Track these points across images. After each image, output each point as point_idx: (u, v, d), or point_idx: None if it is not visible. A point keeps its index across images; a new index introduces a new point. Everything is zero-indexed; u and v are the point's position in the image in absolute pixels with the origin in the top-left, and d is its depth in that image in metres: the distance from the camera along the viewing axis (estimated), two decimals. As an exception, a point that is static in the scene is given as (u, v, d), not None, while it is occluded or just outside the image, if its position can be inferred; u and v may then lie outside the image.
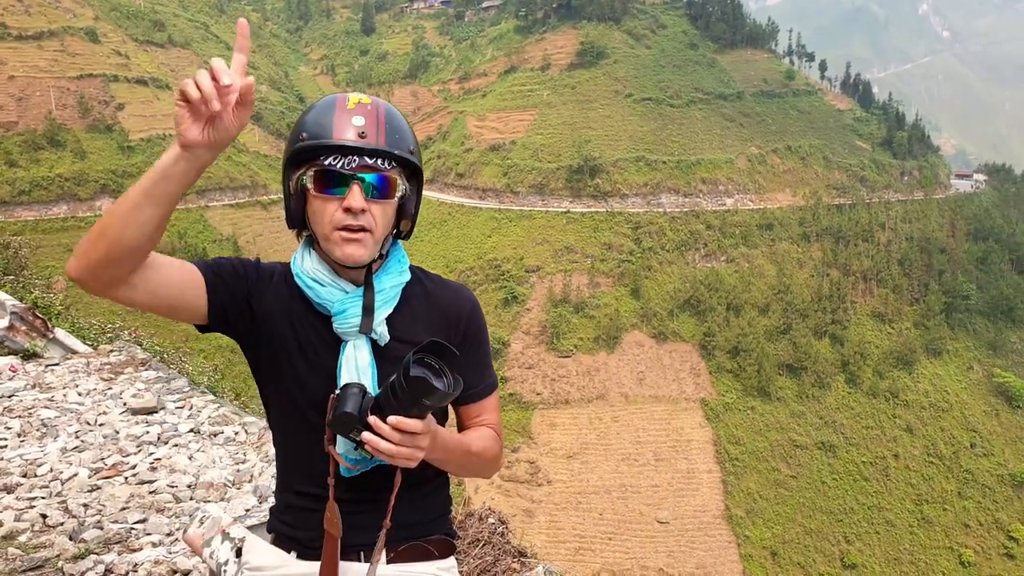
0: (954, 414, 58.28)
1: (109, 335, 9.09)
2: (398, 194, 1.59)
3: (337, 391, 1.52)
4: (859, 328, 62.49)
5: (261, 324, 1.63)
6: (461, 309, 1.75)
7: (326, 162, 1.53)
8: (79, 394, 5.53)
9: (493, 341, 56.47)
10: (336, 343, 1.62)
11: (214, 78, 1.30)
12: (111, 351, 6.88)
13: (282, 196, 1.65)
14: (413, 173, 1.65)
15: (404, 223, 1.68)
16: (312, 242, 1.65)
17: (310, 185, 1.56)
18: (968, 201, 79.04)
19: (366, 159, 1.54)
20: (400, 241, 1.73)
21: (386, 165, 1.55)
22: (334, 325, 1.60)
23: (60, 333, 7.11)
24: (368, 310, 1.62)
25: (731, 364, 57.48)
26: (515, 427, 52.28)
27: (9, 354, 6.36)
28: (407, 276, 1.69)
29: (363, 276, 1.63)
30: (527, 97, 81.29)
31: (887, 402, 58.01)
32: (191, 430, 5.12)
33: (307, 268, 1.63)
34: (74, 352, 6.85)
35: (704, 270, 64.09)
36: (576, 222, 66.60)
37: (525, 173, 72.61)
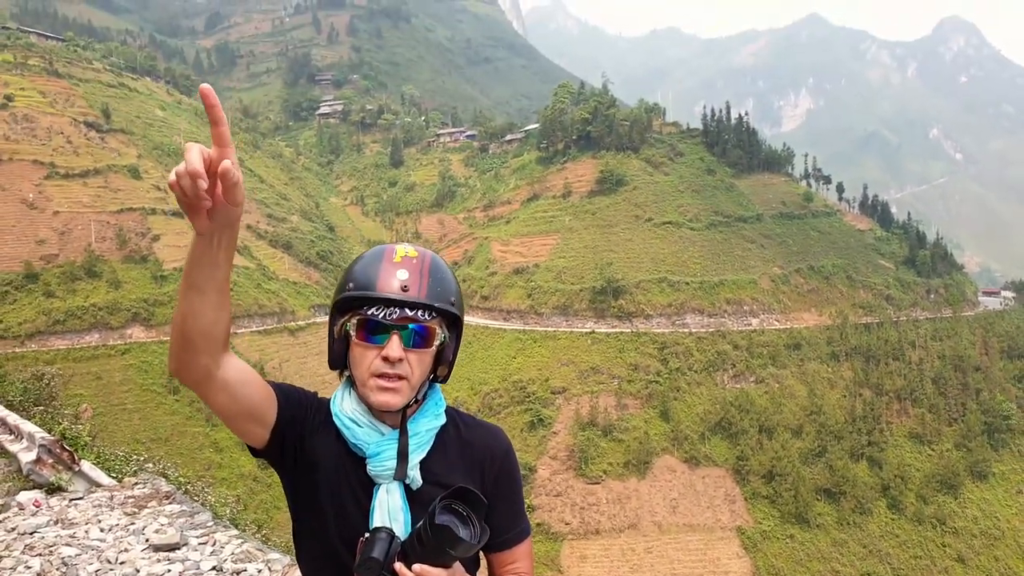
0: (1007, 542, 54.85)
1: (134, 466, 8.99)
2: (436, 343, 1.67)
3: (366, 535, 1.56)
4: (897, 450, 60.21)
5: (307, 457, 1.66)
6: (495, 453, 1.80)
7: (369, 312, 1.61)
8: (101, 530, 5.38)
9: (520, 466, 55.00)
10: (370, 484, 1.65)
11: (192, 174, 1.30)
12: (135, 484, 6.77)
13: (326, 336, 1.72)
14: (454, 322, 1.73)
15: (441, 368, 1.76)
16: (352, 383, 1.71)
17: (353, 332, 1.64)
18: (999, 318, 77.88)
19: (407, 311, 1.61)
20: (438, 384, 1.80)
21: (427, 316, 1.62)
22: (368, 467, 1.65)
23: (86, 466, 7.03)
24: (403, 455, 1.66)
25: (766, 489, 55.25)
26: (543, 559, 49.97)
27: (34, 488, 6.27)
28: (442, 420, 1.75)
29: (399, 419, 1.68)
30: (549, 223, 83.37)
31: (934, 529, 54.89)
32: (213, 567, 4.94)
33: (346, 408, 1.68)
34: (98, 485, 6.74)
35: (734, 391, 62.92)
36: (601, 342, 66.40)
37: (549, 295, 73.34)
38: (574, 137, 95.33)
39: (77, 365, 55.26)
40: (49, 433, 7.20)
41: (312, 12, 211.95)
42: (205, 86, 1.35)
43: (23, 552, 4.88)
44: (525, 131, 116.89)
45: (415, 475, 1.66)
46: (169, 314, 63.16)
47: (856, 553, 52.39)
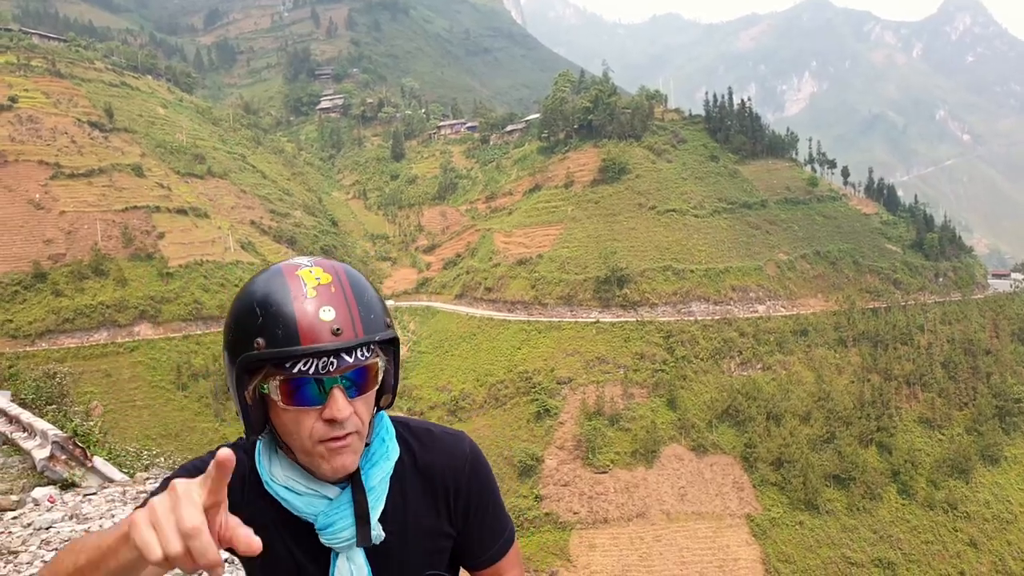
0: (1019, 526, 54.81)
1: (145, 462, 9.06)
2: (379, 378, 1.40)
3: None
4: (907, 435, 60.12)
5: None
6: (459, 473, 1.57)
7: (295, 369, 1.30)
8: (115, 524, 5.39)
9: (526, 457, 55.31)
10: (324, 552, 1.45)
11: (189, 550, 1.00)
12: (147, 479, 6.80)
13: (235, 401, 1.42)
14: (390, 342, 1.43)
15: (385, 398, 1.49)
16: (275, 442, 1.43)
17: (276, 397, 1.33)
18: (1009, 301, 77.51)
19: (344, 357, 1.32)
20: (383, 412, 1.53)
21: (365, 354, 1.34)
22: (321, 539, 1.42)
23: (98, 462, 7.07)
24: (363, 518, 1.43)
25: (775, 476, 55.29)
26: (552, 549, 50.22)
27: (49, 484, 6.31)
28: (395, 454, 1.50)
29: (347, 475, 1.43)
30: (552, 213, 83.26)
31: (946, 514, 54.85)
32: (226, 560, 4.94)
33: (277, 476, 1.42)
34: (111, 481, 6.78)
35: (740, 378, 62.89)
36: (606, 332, 66.39)
37: (553, 285, 73.31)
38: (575, 126, 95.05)
39: (87, 363, 55.63)
40: (61, 430, 7.25)
41: (310, 6, 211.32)
42: (224, 454, 1.06)
43: (39, 547, 4.92)
44: (526, 121, 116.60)
45: (378, 533, 1.44)
46: (176, 311, 63.50)
47: (866, 539, 52.44)
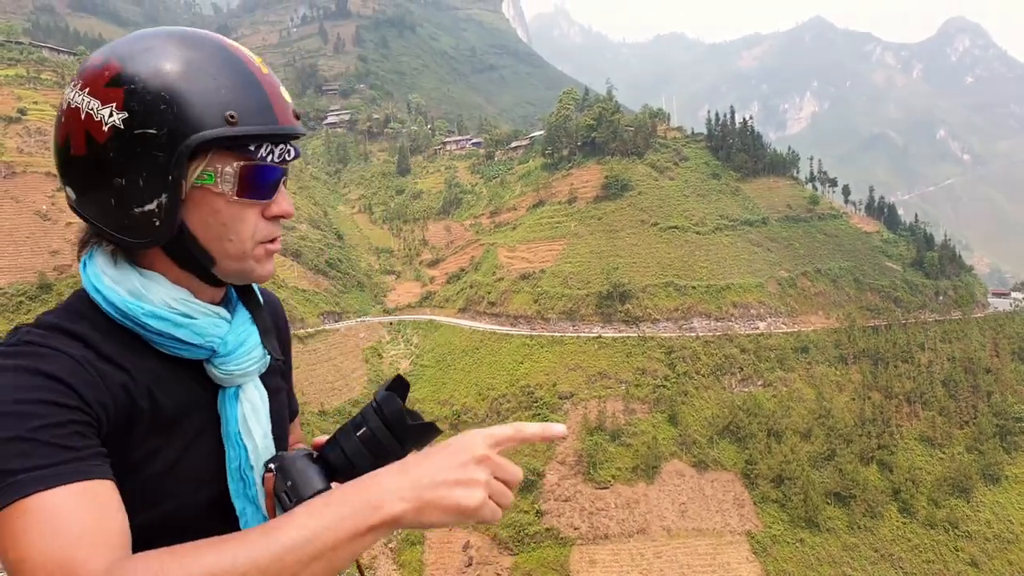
0: (1021, 545, 54.60)
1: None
2: None
3: (274, 467, 1.21)
4: (908, 453, 60.16)
5: (122, 434, 1.10)
6: (281, 315, 1.52)
7: (259, 155, 1.18)
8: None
9: (527, 472, 55.37)
10: (210, 395, 1.26)
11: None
12: None
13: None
14: None
15: None
16: (134, 260, 1.24)
17: (227, 188, 1.18)
18: (1009, 320, 77.70)
19: (292, 147, 1.24)
20: None
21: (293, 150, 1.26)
22: (220, 369, 1.24)
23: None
24: (268, 333, 1.33)
25: (776, 493, 55.30)
26: (553, 564, 50.19)
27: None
28: None
29: (221, 292, 1.31)
30: (555, 228, 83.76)
31: (947, 533, 54.76)
32: None
33: (168, 303, 1.19)
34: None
35: (741, 395, 63.04)
36: (608, 347, 66.62)
37: (555, 300, 73.63)
38: (579, 143, 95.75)
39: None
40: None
41: (318, 23, 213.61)
42: (558, 428, 1.07)
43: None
44: (530, 138, 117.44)
45: (272, 348, 1.34)
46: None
47: (867, 557, 52.36)
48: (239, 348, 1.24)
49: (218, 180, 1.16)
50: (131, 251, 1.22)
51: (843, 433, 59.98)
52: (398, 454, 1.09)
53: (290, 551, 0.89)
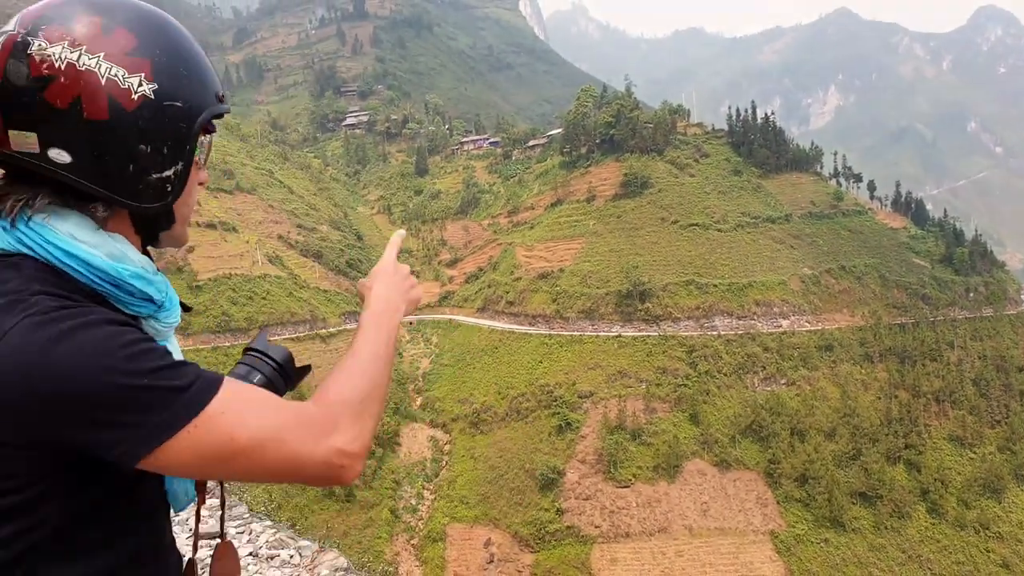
0: (1054, 547, 53.51)
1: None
2: None
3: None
4: (936, 453, 59.05)
5: None
6: None
7: (213, 124, 1.41)
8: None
9: (548, 470, 55.29)
10: None
11: None
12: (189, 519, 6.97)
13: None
14: None
15: None
16: (96, 221, 1.29)
17: (202, 156, 1.39)
18: (1043, 317, 76.04)
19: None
20: None
21: None
22: (163, 322, 1.36)
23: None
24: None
25: (799, 493, 54.55)
26: (573, 562, 49.97)
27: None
28: None
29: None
30: (574, 227, 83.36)
31: (977, 534, 53.69)
32: (250, 554, 5.10)
33: (139, 262, 1.31)
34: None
35: (764, 394, 62.29)
36: (628, 346, 66.17)
37: (574, 299, 73.28)
38: (597, 141, 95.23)
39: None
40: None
41: (336, 24, 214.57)
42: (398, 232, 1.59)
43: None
44: (548, 136, 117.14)
45: None
46: (204, 323, 64.32)
47: (895, 558, 51.47)
48: (175, 302, 1.38)
49: (199, 151, 1.35)
50: (97, 217, 1.27)
51: (869, 432, 59.02)
52: (283, 391, 1.46)
53: (386, 344, 1.43)
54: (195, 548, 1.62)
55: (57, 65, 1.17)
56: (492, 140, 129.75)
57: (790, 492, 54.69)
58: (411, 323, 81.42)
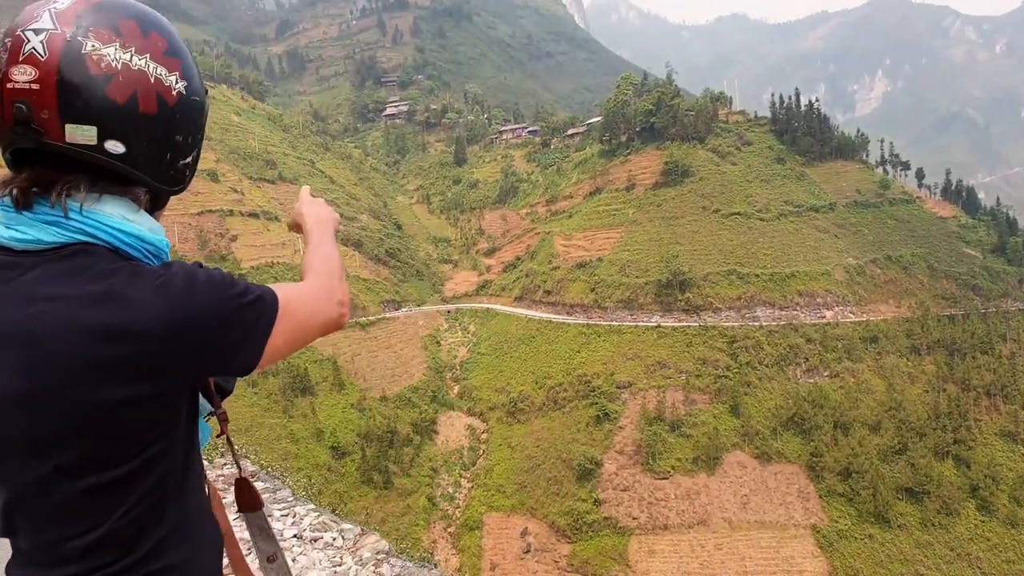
0: (1109, 546, 51.73)
1: (220, 449, 9.46)
2: None
3: None
4: (987, 449, 57.40)
5: None
6: None
7: None
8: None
9: (585, 460, 55.23)
10: None
11: None
12: (224, 464, 7.13)
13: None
14: None
15: None
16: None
17: None
18: (1102, 309, 73.29)
19: None
20: None
21: None
22: None
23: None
24: None
25: (843, 487, 53.57)
26: (611, 553, 49.84)
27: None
28: None
29: None
30: (613, 216, 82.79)
31: (1029, 532, 52.22)
32: (295, 535, 5.22)
33: (163, 232, 1.55)
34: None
35: (807, 386, 61.25)
36: (667, 336, 65.60)
37: (613, 288, 72.86)
38: (637, 129, 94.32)
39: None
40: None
41: (377, 15, 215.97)
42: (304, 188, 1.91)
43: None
44: (587, 125, 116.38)
45: None
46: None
47: (942, 556, 50.25)
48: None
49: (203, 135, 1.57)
50: (140, 200, 1.47)
51: (916, 427, 57.64)
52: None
53: (331, 238, 1.78)
54: (239, 467, 2.03)
55: (114, 65, 1.31)
56: (531, 129, 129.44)
57: (833, 486, 53.76)
58: (449, 311, 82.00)
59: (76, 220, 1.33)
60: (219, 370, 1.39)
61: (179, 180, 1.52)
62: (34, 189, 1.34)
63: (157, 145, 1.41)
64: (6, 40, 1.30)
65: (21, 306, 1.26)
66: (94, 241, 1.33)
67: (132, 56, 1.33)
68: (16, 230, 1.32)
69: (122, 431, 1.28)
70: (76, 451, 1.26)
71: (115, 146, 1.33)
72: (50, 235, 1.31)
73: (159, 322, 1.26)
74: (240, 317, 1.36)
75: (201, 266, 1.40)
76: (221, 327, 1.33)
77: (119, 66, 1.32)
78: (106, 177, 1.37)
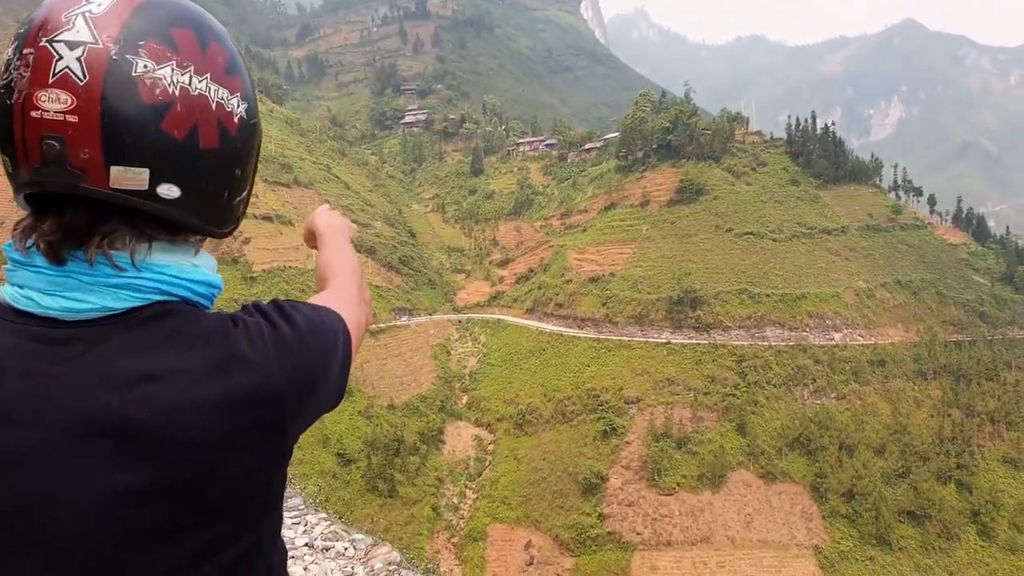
0: (1111, 577, 51.76)
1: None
2: None
3: None
4: (989, 475, 57.58)
5: None
6: None
7: None
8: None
9: (591, 475, 55.58)
10: None
11: None
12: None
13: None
14: None
15: None
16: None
17: None
18: (1107, 340, 73.35)
19: None
20: None
21: None
22: None
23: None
24: None
25: (846, 508, 53.84)
26: (614, 568, 50.20)
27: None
28: None
29: None
30: (626, 231, 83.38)
31: (1029, 560, 52.32)
32: (306, 544, 5.73)
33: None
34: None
35: (814, 407, 61.55)
36: (677, 353, 66.04)
37: (624, 304, 73.38)
38: (654, 146, 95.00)
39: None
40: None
41: (399, 23, 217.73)
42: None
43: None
44: (604, 140, 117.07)
45: None
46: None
47: (941, 580, 50.50)
48: None
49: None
50: (192, 244, 1.21)
51: (920, 450, 57.91)
52: None
53: (347, 242, 1.62)
54: None
55: (171, 91, 1.04)
56: (548, 142, 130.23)
57: (836, 507, 54.02)
58: (460, 321, 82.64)
59: (150, 278, 1.09)
60: (320, 413, 1.26)
61: (234, 219, 1.27)
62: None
63: (216, 184, 1.15)
64: (26, 52, 1.00)
65: (105, 390, 1.00)
66: (167, 298, 1.11)
67: (191, 78, 1.07)
68: (66, 297, 1.04)
69: (256, 496, 1.12)
70: (206, 534, 1.05)
71: (169, 190, 1.07)
72: (120, 300, 1.06)
73: (286, 382, 1.11)
74: (337, 356, 1.25)
75: (284, 302, 1.24)
76: (327, 372, 1.22)
77: (177, 92, 1.05)
78: (151, 222, 1.10)
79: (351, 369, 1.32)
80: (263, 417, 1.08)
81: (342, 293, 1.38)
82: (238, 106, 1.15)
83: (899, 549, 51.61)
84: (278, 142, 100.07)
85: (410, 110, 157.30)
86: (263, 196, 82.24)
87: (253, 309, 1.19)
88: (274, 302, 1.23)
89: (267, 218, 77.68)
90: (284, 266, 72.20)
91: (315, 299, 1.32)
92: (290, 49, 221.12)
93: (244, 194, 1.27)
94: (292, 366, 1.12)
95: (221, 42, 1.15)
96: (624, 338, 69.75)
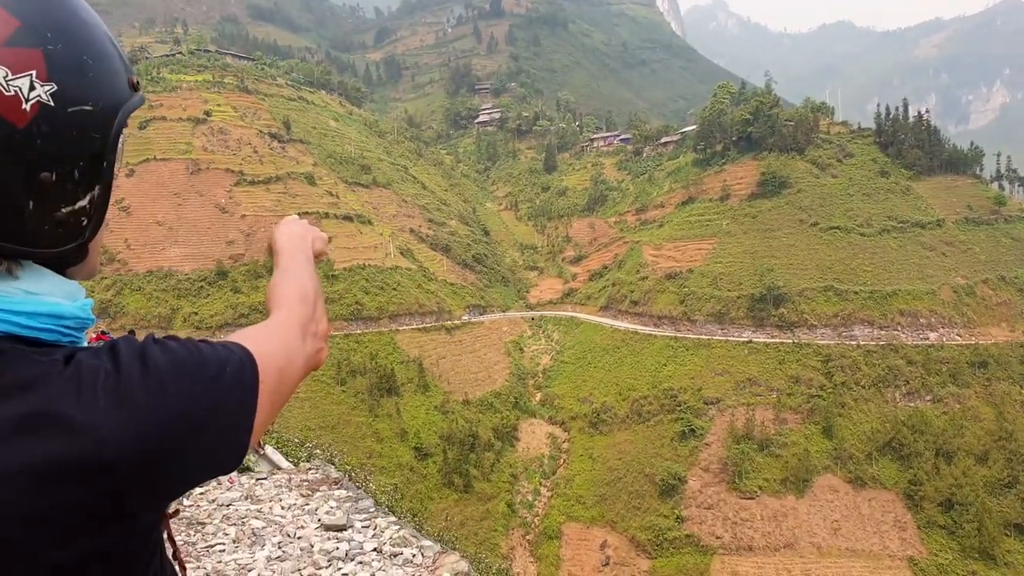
0: None
1: (307, 452, 9.84)
2: None
3: None
4: (1108, 487, 53.10)
5: None
6: None
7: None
8: (282, 507, 5.98)
9: (669, 476, 54.28)
10: None
11: None
12: (309, 468, 7.40)
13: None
14: None
15: None
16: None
17: (119, 166, 0.98)
18: None
19: None
20: None
21: None
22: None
23: (268, 450, 7.80)
24: None
25: (944, 519, 50.64)
26: (692, 572, 48.87)
27: (227, 465, 7.07)
28: None
29: None
30: (705, 227, 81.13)
31: None
32: (374, 549, 5.35)
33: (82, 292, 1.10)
34: (279, 468, 7.46)
35: (906, 410, 58.22)
36: (759, 352, 63.73)
37: (703, 301, 71.37)
38: (734, 138, 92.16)
39: (258, 356, 60.45)
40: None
41: (473, 23, 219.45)
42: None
43: (221, 521, 5.55)
44: (681, 133, 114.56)
45: None
46: (338, 311, 67.85)
47: (1052, 599, 46.82)
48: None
49: (118, 163, 0.96)
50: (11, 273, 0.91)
51: (1028, 459, 53.90)
52: None
53: (305, 259, 1.32)
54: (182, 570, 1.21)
55: None
56: (623, 137, 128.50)
57: (933, 517, 50.92)
58: (533, 318, 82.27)
59: None
60: (203, 479, 0.96)
61: (69, 235, 0.92)
62: None
63: (4, 193, 0.84)
64: None
65: None
66: None
67: None
68: None
69: None
70: None
71: None
72: None
73: (121, 445, 0.81)
74: (223, 406, 0.92)
75: (155, 340, 0.92)
76: (203, 429, 0.89)
77: None
78: None
79: (266, 421, 1.01)
80: (85, 493, 0.80)
81: (274, 327, 1.10)
82: (30, 88, 0.83)
83: (1005, 564, 48.21)
84: (357, 144, 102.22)
85: (484, 109, 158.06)
86: (343, 197, 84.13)
87: (107, 349, 0.89)
88: (141, 340, 0.93)
89: (347, 218, 79.41)
90: (364, 264, 73.63)
91: (237, 333, 1.03)
92: (368, 52, 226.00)
93: (81, 202, 0.91)
94: (134, 422, 0.83)
95: (9, 6, 0.84)
96: (703, 337, 67.85)
